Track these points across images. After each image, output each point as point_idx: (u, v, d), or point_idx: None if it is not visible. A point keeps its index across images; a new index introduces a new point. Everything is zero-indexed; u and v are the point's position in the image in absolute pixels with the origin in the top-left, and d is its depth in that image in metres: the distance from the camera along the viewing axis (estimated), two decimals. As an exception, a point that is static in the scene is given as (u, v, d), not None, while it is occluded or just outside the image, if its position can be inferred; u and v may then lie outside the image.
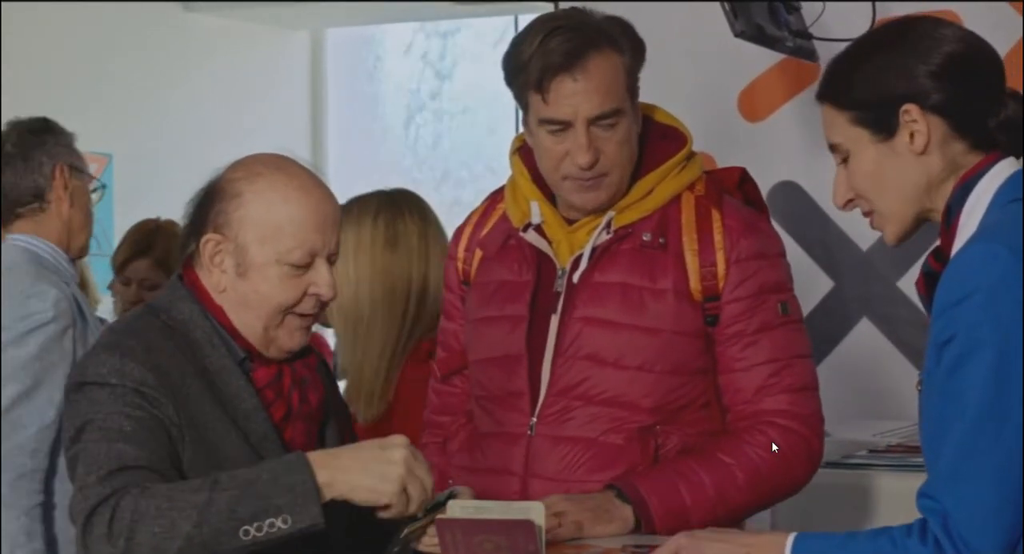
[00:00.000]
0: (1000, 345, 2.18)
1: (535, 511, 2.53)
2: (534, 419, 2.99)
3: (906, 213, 2.40)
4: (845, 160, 2.42)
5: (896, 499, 3.51)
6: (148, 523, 2.35)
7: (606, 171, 2.95)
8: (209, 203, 2.62)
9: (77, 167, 3.91)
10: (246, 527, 2.36)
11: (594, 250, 2.99)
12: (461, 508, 2.54)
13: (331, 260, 2.62)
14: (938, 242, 2.39)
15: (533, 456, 2.99)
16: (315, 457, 2.43)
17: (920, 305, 2.49)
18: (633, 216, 3.00)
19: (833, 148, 2.43)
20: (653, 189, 3.01)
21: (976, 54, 2.38)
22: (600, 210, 3.00)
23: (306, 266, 2.59)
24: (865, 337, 4.70)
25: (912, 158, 2.36)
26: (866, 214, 2.45)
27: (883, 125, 2.36)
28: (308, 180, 2.63)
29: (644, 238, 2.98)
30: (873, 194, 2.40)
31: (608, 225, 2.99)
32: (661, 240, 2.98)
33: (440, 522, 2.50)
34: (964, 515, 2.20)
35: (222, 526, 2.36)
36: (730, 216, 2.99)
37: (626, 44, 2.97)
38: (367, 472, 2.43)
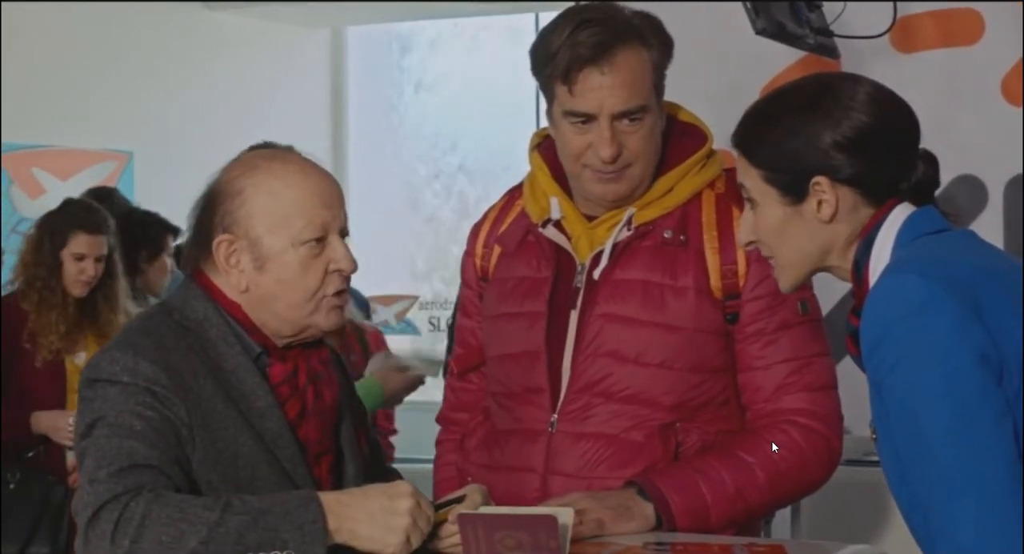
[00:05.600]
0: (942, 367, 2.17)
1: (562, 513, 2.53)
2: (555, 416, 2.99)
3: (804, 267, 2.43)
4: (752, 202, 2.43)
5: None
6: (156, 529, 2.36)
7: (629, 162, 2.95)
8: (212, 206, 2.62)
9: None
10: None
11: (615, 247, 2.99)
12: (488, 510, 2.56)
13: (343, 234, 2.62)
14: (854, 301, 2.39)
15: (554, 453, 2.98)
16: (326, 500, 2.44)
17: None
18: (654, 213, 3.00)
19: (741, 186, 2.45)
20: (674, 187, 3.01)
21: (889, 120, 2.36)
22: (619, 202, 3.00)
23: (321, 244, 2.59)
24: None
25: (818, 224, 2.37)
26: (766, 257, 2.46)
27: (792, 190, 2.37)
28: (306, 164, 2.64)
29: (665, 235, 2.97)
30: (774, 248, 2.42)
31: (629, 222, 2.99)
32: (682, 237, 2.97)
33: (462, 517, 2.50)
34: (973, 537, 2.15)
35: (227, 549, 2.36)
36: None
37: (655, 40, 2.96)
38: (373, 523, 2.44)
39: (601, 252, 2.99)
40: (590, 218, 3.04)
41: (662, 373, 2.94)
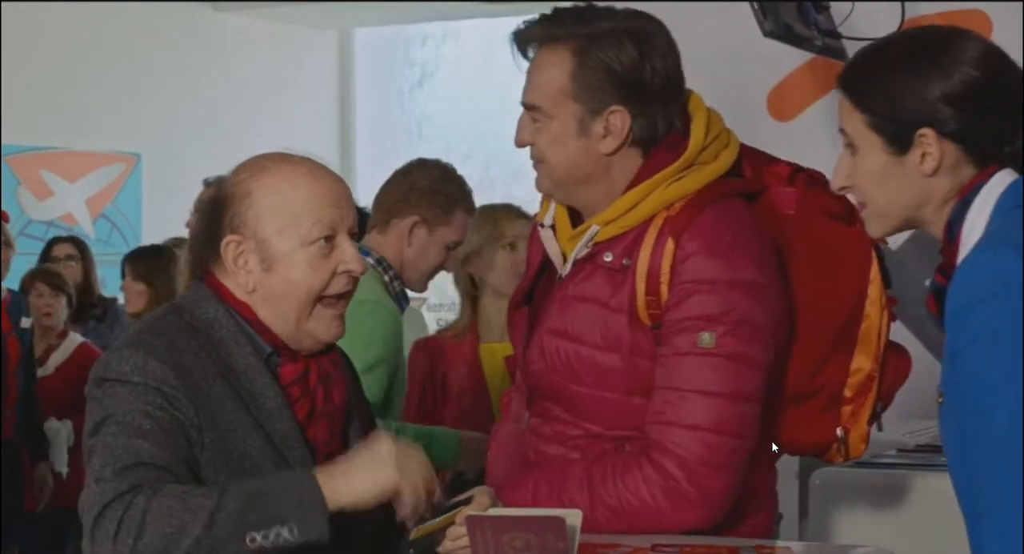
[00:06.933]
0: (1021, 350, 2.16)
1: (570, 515, 2.53)
2: (527, 413, 3.03)
3: (898, 217, 2.42)
4: (852, 148, 2.42)
5: (925, 498, 3.51)
6: (159, 523, 2.37)
7: (536, 158, 2.95)
8: (221, 209, 2.63)
9: None
10: (253, 534, 2.39)
11: (576, 262, 2.95)
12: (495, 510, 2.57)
13: (351, 234, 2.64)
14: (942, 259, 2.39)
15: (528, 447, 3.02)
16: (318, 471, 2.47)
17: None
18: (612, 232, 2.91)
19: (842, 131, 2.43)
20: (639, 203, 2.91)
21: (998, 78, 2.36)
22: (550, 197, 3.01)
23: (330, 243, 2.60)
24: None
25: (920, 177, 2.36)
26: (859, 205, 2.46)
27: (897, 140, 2.36)
28: (313, 165, 2.65)
29: (605, 258, 2.89)
30: (871, 194, 2.41)
31: (591, 238, 2.92)
32: (625, 261, 2.88)
33: (470, 519, 2.51)
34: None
35: (231, 531, 2.38)
36: (690, 240, 2.85)
37: (591, 59, 2.87)
38: (361, 468, 2.48)
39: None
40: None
41: (601, 395, 2.89)
